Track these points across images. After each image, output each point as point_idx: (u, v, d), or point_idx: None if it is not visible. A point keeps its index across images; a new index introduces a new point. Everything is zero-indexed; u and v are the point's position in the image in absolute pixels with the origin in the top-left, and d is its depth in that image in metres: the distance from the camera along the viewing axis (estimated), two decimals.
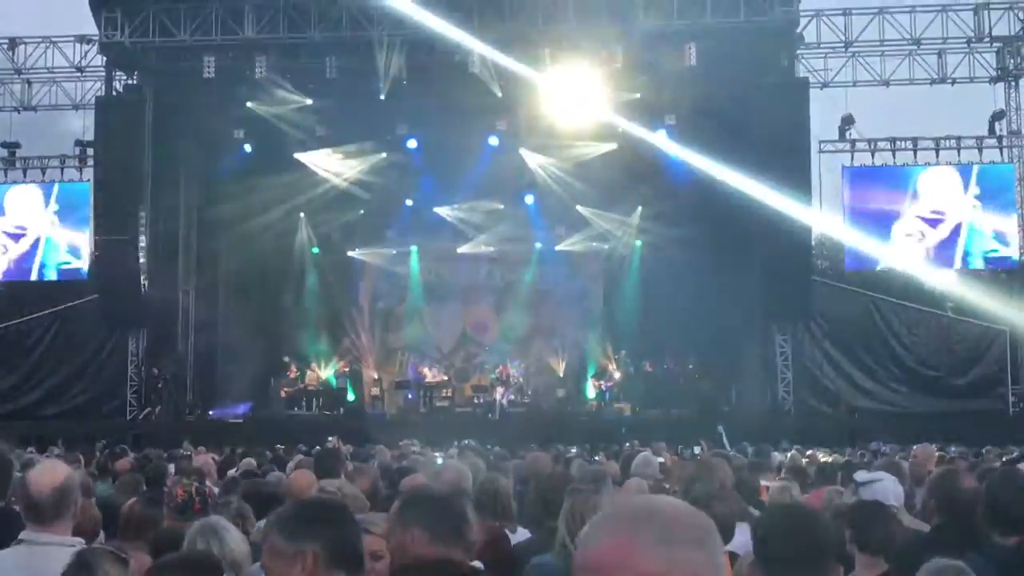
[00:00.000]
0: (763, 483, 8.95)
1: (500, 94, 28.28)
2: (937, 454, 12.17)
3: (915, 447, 12.36)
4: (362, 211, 33.98)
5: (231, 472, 10.62)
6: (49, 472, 4.49)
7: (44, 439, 22.90)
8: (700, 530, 1.92)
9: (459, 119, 30.28)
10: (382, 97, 28.69)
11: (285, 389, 30.80)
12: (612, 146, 30.54)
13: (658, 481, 8.69)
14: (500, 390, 30.53)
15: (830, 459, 13.32)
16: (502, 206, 32.71)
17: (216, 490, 7.57)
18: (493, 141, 30.81)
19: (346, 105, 29.70)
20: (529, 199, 32.65)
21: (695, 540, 1.90)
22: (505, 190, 32.31)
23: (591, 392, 31.50)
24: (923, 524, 5.92)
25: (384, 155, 31.58)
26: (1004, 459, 11.02)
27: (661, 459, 10.52)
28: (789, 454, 15.33)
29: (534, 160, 31.44)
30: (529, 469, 9.44)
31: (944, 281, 31.10)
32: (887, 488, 6.01)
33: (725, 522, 5.41)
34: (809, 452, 17.30)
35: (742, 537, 5.76)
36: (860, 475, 6.63)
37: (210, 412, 29.77)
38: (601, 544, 1.90)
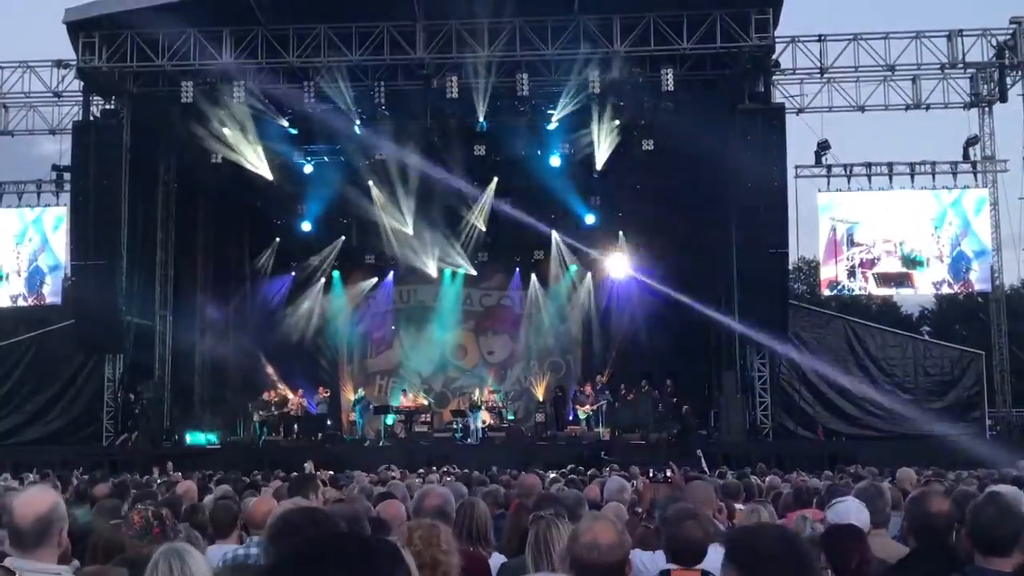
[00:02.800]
0: (738, 507, 8.97)
1: (482, 117, 28.42)
2: (916, 478, 12.20)
3: (898, 472, 12.40)
4: (343, 236, 34.07)
5: (208, 498, 10.55)
6: (33, 500, 4.49)
7: (20, 465, 22.74)
8: None
9: (437, 144, 30.40)
10: (357, 122, 28.88)
11: (259, 413, 30.67)
12: (593, 171, 30.76)
13: (631, 505, 8.72)
14: (480, 414, 30.45)
15: (808, 483, 13.33)
16: (484, 229, 32.78)
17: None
18: (472, 166, 30.86)
19: (325, 130, 29.76)
20: (508, 223, 32.70)
21: None
22: (484, 214, 32.40)
23: (570, 416, 31.47)
24: (903, 548, 5.93)
25: (370, 181, 31.71)
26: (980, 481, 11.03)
27: (635, 482, 10.54)
28: (767, 478, 15.34)
29: (512, 184, 31.56)
30: (520, 492, 9.44)
31: (920, 304, 31.27)
32: (849, 509, 6.02)
33: (696, 543, 5.43)
34: (787, 476, 17.33)
35: (715, 556, 5.79)
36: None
37: (187, 438, 29.58)
38: None
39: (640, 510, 8.39)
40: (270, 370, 33.01)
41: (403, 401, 31.76)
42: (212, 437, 30.10)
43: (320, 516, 3.61)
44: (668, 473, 8.51)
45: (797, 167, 30.07)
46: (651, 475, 8.69)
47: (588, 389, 31.02)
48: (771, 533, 3.46)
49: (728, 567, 3.03)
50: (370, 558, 1.95)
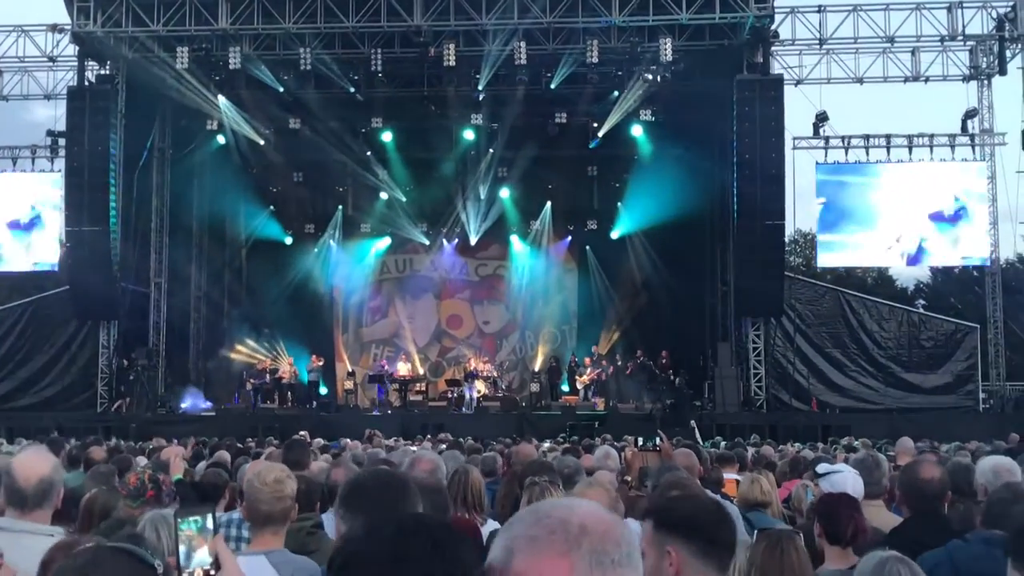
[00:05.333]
0: (732, 476, 8.98)
1: (480, 86, 28.33)
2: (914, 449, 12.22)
3: (897, 443, 12.42)
4: (340, 206, 33.98)
5: (200, 464, 10.56)
6: (35, 461, 4.46)
7: (14, 431, 22.75)
8: (628, 546, 1.83)
9: (434, 112, 30.30)
10: (351, 90, 28.80)
11: (251, 381, 30.69)
12: (590, 143, 30.75)
13: (620, 472, 8.76)
14: (475, 384, 30.48)
15: (802, 453, 13.37)
16: (482, 198, 32.67)
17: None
18: (468, 135, 30.76)
19: (321, 97, 29.62)
20: (504, 193, 32.64)
21: (626, 558, 1.81)
22: (481, 183, 32.28)
23: (565, 386, 31.52)
24: (898, 517, 5.93)
25: (366, 150, 31.59)
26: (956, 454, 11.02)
27: (624, 451, 10.58)
28: (761, 449, 15.39)
29: (509, 153, 31.42)
30: (515, 460, 9.46)
31: (915, 277, 31.24)
32: (846, 479, 6.00)
33: None
34: (781, 447, 17.38)
35: None
36: (821, 467, 6.63)
37: (182, 406, 29.58)
38: (532, 561, 1.76)
39: (629, 478, 8.39)
40: (265, 337, 32.99)
41: (398, 370, 31.73)
42: (197, 404, 30.08)
43: (395, 480, 3.66)
44: (657, 442, 8.51)
45: (795, 139, 30.03)
46: (639, 443, 8.69)
47: (586, 360, 31.09)
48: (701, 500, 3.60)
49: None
50: (456, 543, 2.01)
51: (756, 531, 4.92)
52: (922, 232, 30.58)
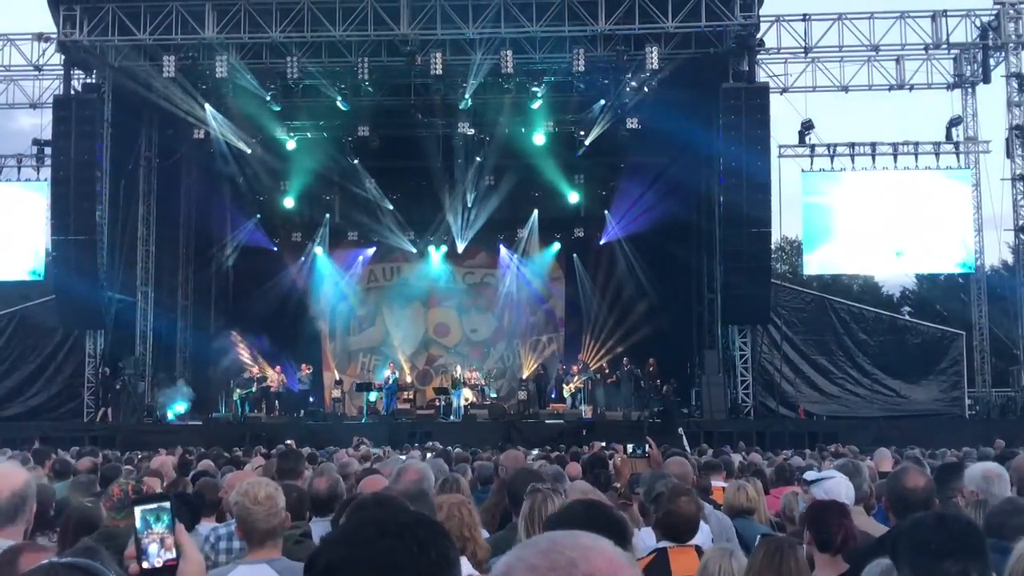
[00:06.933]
0: (720, 484, 9.00)
1: (467, 95, 28.35)
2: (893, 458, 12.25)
3: (875, 453, 12.46)
4: (327, 214, 33.94)
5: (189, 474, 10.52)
6: (8, 475, 4.43)
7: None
8: None
9: (421, 121, 30.31)
10: (338, 99, 28.80)
11: (240, 389, 30.58)
12: (577, 151, 30.81)
13: (609, 479, 8.78)
14: (462, 392, 30.44)
15: (791, 460, 13.39)
16: (469, 206, 32.68)
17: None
18: (455, 143, 30.77)
19: (308, 106, 29.58)
20: (491, 201, 32.65)
21: None
22: (468, 191, 32.29)
23: (553, 394, 31.51)
24: (881, 526, 5.94)
25: (353, 158, 31.58)
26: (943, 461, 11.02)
27: (613, 458, 10.60)
28: (750, 456, 15.41)
29: (496, 162, 31.46)
30: (506, 464, 9.47)
31: (901, 284, 31.29)
32: (839, 485, 6.01)
33: (692, 518, 5.44)
34: (769, 454, 17.42)
35: (702, 534, 5.83)
36: (810, 474, 6.64)
37: (167, 415, 29.44)
38: None
39: (618, 485, 8.39)
40: (252, 346, 32.91)
41: (387, 377, 31.64)
42: (191, 411, 29.94)
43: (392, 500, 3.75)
44: (646, 448, 8.51)
45: (780, 147, 30.07)
46: (629, 450, 8.69)
47: (573, 368, 31.09)
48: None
49: None
50: (430, 534, 1.99)
51: (758, 537, 4.95)
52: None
